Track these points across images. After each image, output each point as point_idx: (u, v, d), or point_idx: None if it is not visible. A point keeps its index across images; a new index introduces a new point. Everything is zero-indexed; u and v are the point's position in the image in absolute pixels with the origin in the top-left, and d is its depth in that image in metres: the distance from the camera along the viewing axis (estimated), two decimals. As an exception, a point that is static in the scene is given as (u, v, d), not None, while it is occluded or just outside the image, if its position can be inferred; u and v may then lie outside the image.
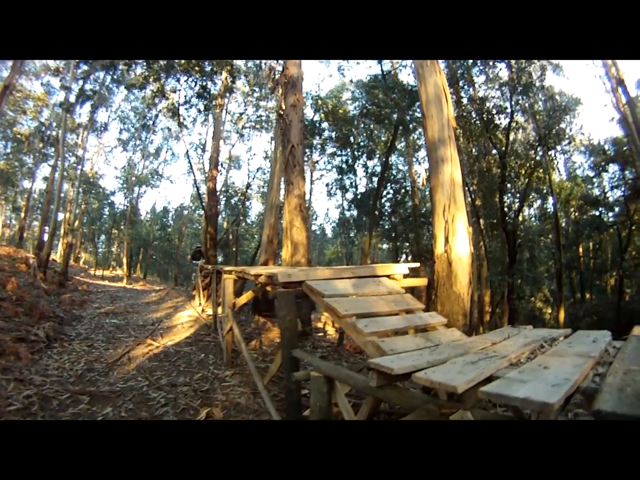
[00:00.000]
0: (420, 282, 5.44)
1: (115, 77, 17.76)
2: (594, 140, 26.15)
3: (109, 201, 34.96)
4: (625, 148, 20.55)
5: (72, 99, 18.31)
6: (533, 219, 26.50)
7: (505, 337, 3.32)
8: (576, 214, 23.68)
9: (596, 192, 23.57)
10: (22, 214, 28.38)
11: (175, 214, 44.05)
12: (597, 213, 22.22)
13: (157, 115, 23.43)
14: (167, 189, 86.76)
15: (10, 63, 19.94)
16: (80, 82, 18.91)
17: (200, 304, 11.99)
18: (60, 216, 28.64)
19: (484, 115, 14.91)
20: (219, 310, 8.61)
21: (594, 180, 24.19)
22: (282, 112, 10.22)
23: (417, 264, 5.15)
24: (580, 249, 24.71)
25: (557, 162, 24.65)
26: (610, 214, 22.67)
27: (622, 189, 21.48)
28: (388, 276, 4.58)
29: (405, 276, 4.82)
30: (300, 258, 8.71)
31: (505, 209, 15.82)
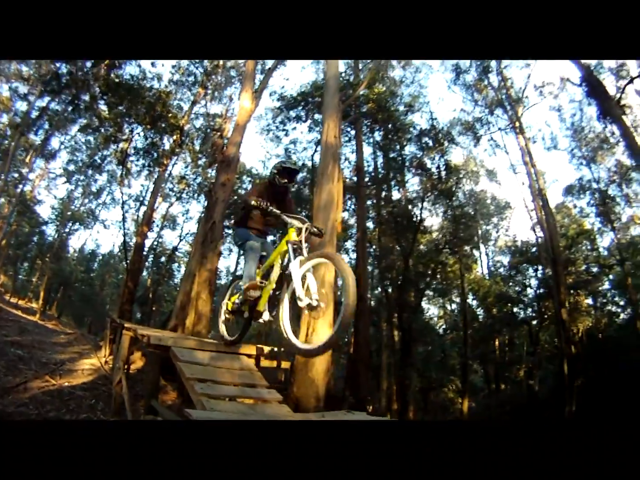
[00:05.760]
0: (283, 364, 6.49)
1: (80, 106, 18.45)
2: (519, 242, 29.26)
3: (40, 230, 34.58)
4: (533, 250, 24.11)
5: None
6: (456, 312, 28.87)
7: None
8: (494, 310, 26.11)
9: (517, 289, 26.26)
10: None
11: (103, 259, 43.72)
12: (512, 310, 24.94)
13: (105, 158, 24.15)
14: (99, 233, 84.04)
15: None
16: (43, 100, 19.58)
17: (105, 355, 12.41)
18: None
19: (398, 218, 16.98)
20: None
21: (517, 278, 26.94)
22: (211, 188, 11.38)
23: (275, 348, 6.31)
24: (497, 343, 26.94)
25: (475, 261, 27.50)
26: (529, 310, 25.47)
27: (535, 288, 24.58)
28: (249, 355, 5.74)
29: (272, 358, 6.06)
30: (201, 329, 9.55)
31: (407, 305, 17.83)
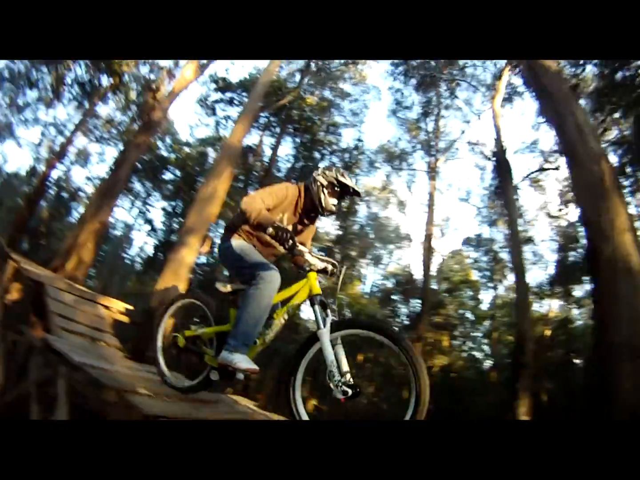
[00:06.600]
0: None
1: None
2: (407, 273, 31.94)
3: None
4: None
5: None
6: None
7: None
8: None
9: (389, 314, 28.86)
10: None
11: (5, 178, 41.75)
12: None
13: (42, 76, 23.62)
14: (10, 149, 78.43)
15: None
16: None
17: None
18: None
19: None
20: None
21: (393, 305, 29.73)
22: (126, 146, 12.24)
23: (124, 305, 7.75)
24: (362, 357, 29.65)
25: (359, 278, 30.40)
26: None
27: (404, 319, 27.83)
28: (107, 307, 7.22)
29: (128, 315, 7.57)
30: (79, 275, 10.47)
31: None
